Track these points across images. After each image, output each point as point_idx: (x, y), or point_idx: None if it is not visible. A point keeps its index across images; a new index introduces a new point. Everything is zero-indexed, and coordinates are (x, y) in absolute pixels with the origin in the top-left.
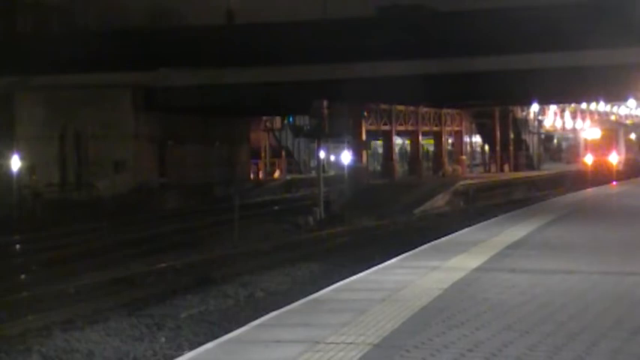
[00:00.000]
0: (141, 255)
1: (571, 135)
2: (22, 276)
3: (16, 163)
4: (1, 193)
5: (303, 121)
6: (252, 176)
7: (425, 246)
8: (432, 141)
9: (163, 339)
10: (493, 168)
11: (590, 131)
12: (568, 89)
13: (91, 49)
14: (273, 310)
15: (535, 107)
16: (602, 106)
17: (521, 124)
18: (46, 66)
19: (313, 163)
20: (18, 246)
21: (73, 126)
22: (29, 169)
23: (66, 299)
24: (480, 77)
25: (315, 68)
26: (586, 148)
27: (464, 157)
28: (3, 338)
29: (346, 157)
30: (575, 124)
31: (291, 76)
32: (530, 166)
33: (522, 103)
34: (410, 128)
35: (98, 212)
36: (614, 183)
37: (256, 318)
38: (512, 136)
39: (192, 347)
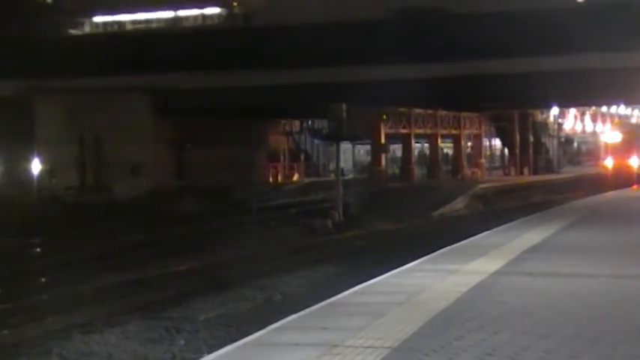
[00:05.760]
0: (158, 257)
1: (591, 138)
2: (42, 279)
3: (36, 166)
4: (21, 195)
5: (322, 124)
6: (270, 179)
7: (444, 249)
8: (450, 144)
9: (182, 342)
10: (512, 171)
11: (610, 134)
12: (588, 92)
13: (107, 53)
14: (292, 313)
15: (555, 110)
16: (622, 109)
17: (541, 128)
18: (63, 69)
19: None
20: (37, 249)
21: (91, 129)
22: (49, 172)
23: (84, 301)
24: (496, 80)
25: (330, 71)
26: (606, 152)
27: (483, 160)
28: (23, 340)
29: None
30: (595, 127)
31: (305, 78)
32: (550, 170)
33: (542, 106)
34: (429, 131)
35: (116, 215)
36: (635, 186)
37: (275, 321)
38: (531, 139)
39: (210, 350)
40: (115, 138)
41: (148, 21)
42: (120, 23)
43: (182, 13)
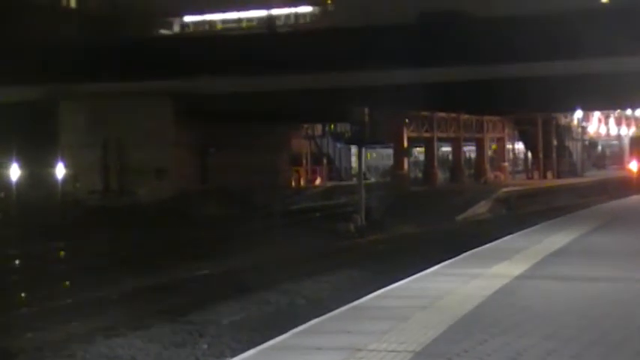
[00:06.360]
0: (182, 261)
1: (615, 141)
2: (66, 282)
3: (60, 170)
4: (45, 199)
5: (344, 127)
6: (293, 183)
7: (467, 253)
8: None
9: (205, 345)
10: (536, 175)
11: (635, 137)
12: (612, 95)
13: (130, 57)
14: (315, 317)
15: (578, 114)
16: None
17: (565, 131)
18: (86, 74)
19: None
20: (61, 253)
21: (115, 134)
22: (73, 176)
23: (108, 305)
24: (519, 84)
25: (353, 75)
26: (631, 155)
27: (506, 163)
28: (47, 344)
29: None
30: (619, 130)
31: (327, 82)
32: (574, 173)
33: (565, 110)
34: (452, 135)
35: (140, 219)
36: None
37: (297, 325)
38: (555, 142)
39: (233, 354)
40: (139, 142)
41: (238, 20)
42: (211, 23)
43: (275, 12)
